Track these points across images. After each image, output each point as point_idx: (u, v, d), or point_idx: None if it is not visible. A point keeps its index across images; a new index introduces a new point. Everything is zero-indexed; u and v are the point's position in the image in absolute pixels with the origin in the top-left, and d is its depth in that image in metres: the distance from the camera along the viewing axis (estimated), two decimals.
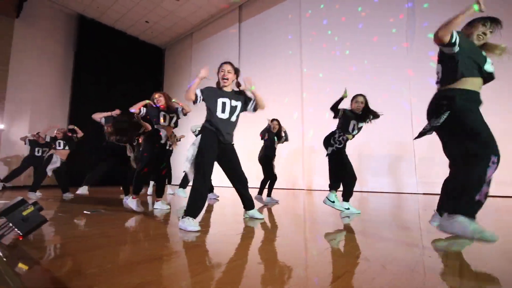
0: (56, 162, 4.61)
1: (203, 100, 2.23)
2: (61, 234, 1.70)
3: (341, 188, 2.74)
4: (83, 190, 3.81)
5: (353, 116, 2.78)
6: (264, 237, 1.73)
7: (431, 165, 4.93)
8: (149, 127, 3.64)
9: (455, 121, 1.48)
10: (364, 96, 2.79)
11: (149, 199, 4.43)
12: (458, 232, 1.33)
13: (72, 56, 9.17)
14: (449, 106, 1.50)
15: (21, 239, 1.52)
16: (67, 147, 4.82)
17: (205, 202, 2.05)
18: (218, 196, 4.35)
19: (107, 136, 3.79)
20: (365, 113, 2.77)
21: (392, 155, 5.30)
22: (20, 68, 7.93)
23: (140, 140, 4.72)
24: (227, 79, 2.25)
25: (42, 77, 8.44)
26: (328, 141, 2.78)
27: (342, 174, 2.71)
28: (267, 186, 3.78)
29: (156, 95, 3.08)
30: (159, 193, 3.14)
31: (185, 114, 3.20)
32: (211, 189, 4.26)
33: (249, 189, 2.36)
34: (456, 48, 1.51)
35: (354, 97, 2.81)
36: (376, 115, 2.78)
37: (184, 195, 3.98)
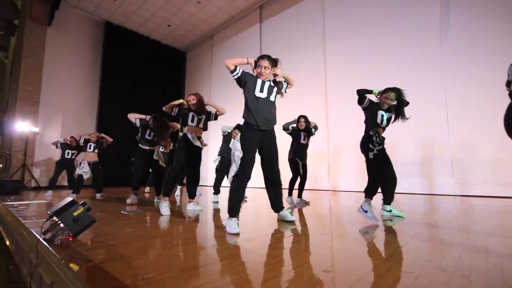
0: (83, 167, 4.76)
1: (239, 77, 2.16)
2: (108, 235, 1.71)
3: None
4: (133, 199, 3.68)
5: (380, 107, 2.55)
6: (315, 242, 1.65)
7: (469, 165, 4.63)
8: (177, 127, 3.63)
9: None
10: (397, 93, 2.49)
11: (177, 199, 4.46)
12: None
13: (99, 62, 9.52)
14: None
15: (71, 239, 1.54)
16: (96, 150, 5.02)
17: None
18: (247, 197, 4.30)
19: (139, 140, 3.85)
20: (394, 109, 2.55)
21: (426, 155, 5.03)
22: (52, 73, 8.32)
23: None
24: (263, 74, 2.18)
25: (72, 82, 8.81)
26: (366, 146, 2.52)
27: (382, 179, 2.48)
28: (297, 187, 3.69)
29: (190, 96, 3.06)
30: (191, 195, 3.12)
31: (216, 118, 3.19)
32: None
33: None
34: None
35: (385, 91, 2.53)
36: (402, 117, 2.54)
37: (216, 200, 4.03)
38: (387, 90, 2.53)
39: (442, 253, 1.34)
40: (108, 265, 1.13)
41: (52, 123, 8.27)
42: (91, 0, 8.44)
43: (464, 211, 2.95)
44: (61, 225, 1.52)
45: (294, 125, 3.76)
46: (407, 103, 2.56)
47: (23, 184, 6.05)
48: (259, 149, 2.15)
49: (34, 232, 1.66)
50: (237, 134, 4.06)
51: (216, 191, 4.11)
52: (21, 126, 7.39)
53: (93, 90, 9.34)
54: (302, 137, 3.70)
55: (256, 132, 2.08)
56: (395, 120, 2.59)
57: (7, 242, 3.42)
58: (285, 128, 3.74)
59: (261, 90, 2.13)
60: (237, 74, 2.15)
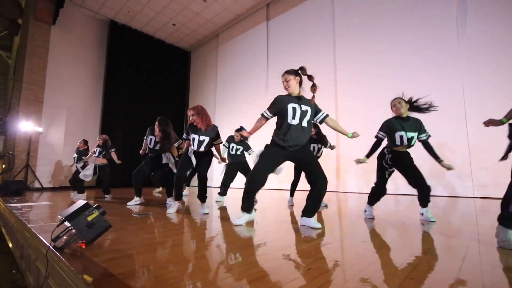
0: (87, 170, 4.70)
1: (274, 115, 2.27)
2: (124, 242, 1.55)
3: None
4: (135, 201, 3.70)
5: (398, 124, 2.46)
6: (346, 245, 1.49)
7: (488, 167, 4.46)
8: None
9: None
10: (401, 98, 2.51)
11: (185, 199, 4.31)
12: None
13: (104, 61, 9.41)
14: None
15: (84, 247, 1.39)
16: (101, 156, 4.91)
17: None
18: (256, 200, 4.16)
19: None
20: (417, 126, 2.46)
21: (444, 157, 4.84)
22: (56, 73, 8.20)
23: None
24: (289, 86, 2.23)
25: (77, 81, 8.70)
26: (380, 162, 2.56)
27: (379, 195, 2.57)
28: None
29: (189, 110, 2.99)
30: (202, 197, 2.99)
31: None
32: None
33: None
34: None
35: (392, 101, 2.55)
36: (426, 109, 2.48)
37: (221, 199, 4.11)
38: (393, 100, 2.56)
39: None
40: (133, 280, 0.97)
41: (56, 122, 8.14)
42: None
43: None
44: (74, 231, 1.37)
45: None
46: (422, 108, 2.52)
47: (26, 185, 5.91)
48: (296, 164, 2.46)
49: (43, 239, 1.51)
50: (237, 136, 4.18)
51: (223, 192, 4.18)
52: (25, 126, 7.26)
53: (97, 89, 9.23)
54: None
55: (280, 148, 2.21)
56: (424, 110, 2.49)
57: (10, 245, 3.28)
58: None
59: (293, 117, 2.16)
60: (270, 116, 2.29)
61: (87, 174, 4.58)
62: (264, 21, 8.46)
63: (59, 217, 1.38)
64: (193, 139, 2.92)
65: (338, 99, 6.48)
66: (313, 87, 2.15)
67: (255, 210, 2.40)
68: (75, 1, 8.41)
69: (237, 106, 8.80)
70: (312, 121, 2.26)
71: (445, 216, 2.81)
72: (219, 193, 4.19)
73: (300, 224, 2.14)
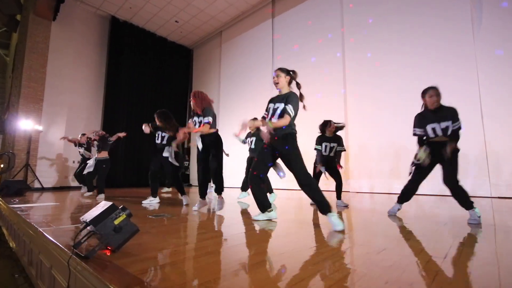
0: (91, 167, 4.75)
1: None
2: (153, 248, 1.39)
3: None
4: (151, 201, 3.74)
5: (430, 116, 2.33)
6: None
7: (505, 166, 4.35)
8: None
9: None
10: (437, 89, 2.35)
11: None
12: None
13: (105, 58, 9.22)
14: None
15: (109, 254, 1.23)
16: (100, 149, 4.86)
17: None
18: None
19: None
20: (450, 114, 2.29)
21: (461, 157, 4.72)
22: (57, 70, 8.00)
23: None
24: (278, 82, 2.32)
25: (78, 79, 8.50)
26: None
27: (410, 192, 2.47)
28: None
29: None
30: (217, 189, 3.00)
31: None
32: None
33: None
34: None
35: (425, 91, 2.37)
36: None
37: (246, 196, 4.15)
38: (427, 89, 2.38)
39: None
40: None
41: (57, 121, 7.94)
42: None
43: None
44: (98, 236, 1.21)
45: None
46: None
47: (27, 184, 5.72)
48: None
49: (62, 246, 1.35)
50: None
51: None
52: (24, 124, 7.06)
53: (99, 87, 9.04)
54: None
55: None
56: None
57: (11, 245, 3.10)
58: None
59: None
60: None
61: (90, 165, 4.74)
62: (270, 18, 8.31)
63: (82, 220, 1.22)
64: (194, 122, 2.95)
65: (348, 100, 6.31)
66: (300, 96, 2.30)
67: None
68: None
69: (241, 105, 8.63)
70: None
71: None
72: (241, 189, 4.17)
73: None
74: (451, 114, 2.29)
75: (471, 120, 4.67)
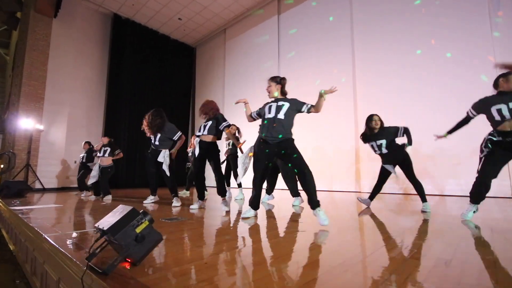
0: (95, 177, 4.61)
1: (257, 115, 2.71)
2: (180, 258, 1.21)
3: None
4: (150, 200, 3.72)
5: (495, 98, 2.12)
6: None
7: None
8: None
9: None
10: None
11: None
12: None
13: (107, 56, 9.04)
14: None
15: (128, 267, 1.05)
16: (106, 154, 4.70)
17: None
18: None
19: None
20: None
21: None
22: (58, 68, 7.82)
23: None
24: (269, 92, 2.57)
25: (79, 77, 8.33)
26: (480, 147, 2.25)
27: (485, 184, 2.12)
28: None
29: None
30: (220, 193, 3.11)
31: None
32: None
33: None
34: None
35: (500, 77, 2.15)
36: None
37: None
38: (502, 75, 2.13)
39: None
40: None
41: (58, 120, 7.76)
42: None
43: None
44: (116, 246, 1.03)
45: None
46: None
47: (28, 185, 5.54)
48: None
49: (71, 256, 1.17)
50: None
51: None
52: (25, 123, 6.88)
53: (101, 85, 8.86)
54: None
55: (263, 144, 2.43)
56: None
57: (11, 247, 2.92)
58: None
59: (269, 112, 2.45)
60: (256, 116, 2.73)
61: (94, 175, 4.58)
62: (275, 14, 8.13)
63: (97, 227, 1.04)
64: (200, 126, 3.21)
65: (358, 103, 6.10)
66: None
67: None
68: None
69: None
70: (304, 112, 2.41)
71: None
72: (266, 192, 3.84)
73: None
74: None
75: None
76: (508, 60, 4.39)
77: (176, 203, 3.33)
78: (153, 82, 9.76)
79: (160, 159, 3.41)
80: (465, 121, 2.39)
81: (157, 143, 3.48)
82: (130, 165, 8.89)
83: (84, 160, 5.41)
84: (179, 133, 3.54)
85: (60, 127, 7.78)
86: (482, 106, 2.21)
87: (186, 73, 11.02)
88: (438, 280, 0.94)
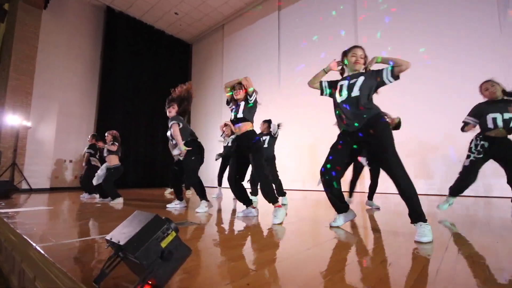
0: (102, 170, 4.12)
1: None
2: (205, 276, 0.99)
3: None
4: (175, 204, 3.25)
5: (490, 106, 2.28)
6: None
7: None
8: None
9: None
10: (493, 81, 2.35)
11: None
12: None
13: (99, 51, 8.66)
14: None
15: None
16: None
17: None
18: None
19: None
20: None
21: None
22: (47, 62, 7.42)
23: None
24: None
25: (70, 72, 7.93)
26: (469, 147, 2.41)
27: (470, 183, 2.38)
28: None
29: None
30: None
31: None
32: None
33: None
34: None
35: (481, 85, 2.40)
36: None
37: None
38: (482, 83, 2.40)
39: None
40: None
41: (47, 117, 7.36)
42: None
43: None
44: (134, 265, 0.80)
45: None
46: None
47: (15, 185, 5.17)
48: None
49: (71, 275, 0.92)
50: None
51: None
52: (11, 120, 6.48)
53: (93, 81, 8.47)
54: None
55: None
56: None
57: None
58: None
59: (340, 93, 1.90)
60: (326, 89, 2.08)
61: (100, 175, 4.03)
62: (276, 10, 7.93)
63: (109, 241, 0.81)
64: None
65: None
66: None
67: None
68: None
69: None
70: None
71: None
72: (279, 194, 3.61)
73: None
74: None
75: None
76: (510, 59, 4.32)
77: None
78: (147, 78, 9.43)
79: (176, 152, 3.01)
80: (463, 128, 2.47)
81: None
82: (123, 164, 8.51)
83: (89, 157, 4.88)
84: None
85: (49, 124, 7.38)
86: (478, 113, 2.34)
87: (182, 70, 10.71)
88: None
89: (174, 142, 3.03)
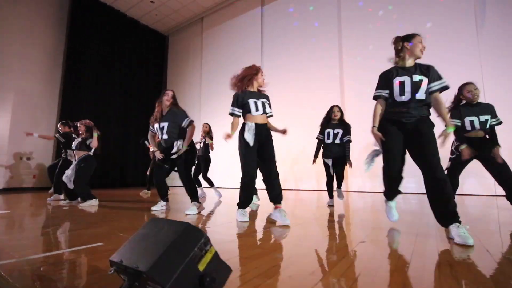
0: (71, 169, 3.49)
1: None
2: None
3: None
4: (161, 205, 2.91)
5: (467, 110, 2.37)
6: None
7: None
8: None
9: None
10: (474, 84, 2.45)
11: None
12: None
13: (64, 38, 7.82)
14: None
15: None
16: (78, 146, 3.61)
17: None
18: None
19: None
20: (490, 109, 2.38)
21: None
22: (2, 47, 6.53)
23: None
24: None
25: (28, 60, 7.04)
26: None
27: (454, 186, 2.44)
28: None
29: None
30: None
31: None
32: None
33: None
34: None
35: (464, 86, 2.45)
36: None
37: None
38: (465, 84, 2.46)
39: None
40: None
41: (0, 108, 6.48)
42: None
43: None
44: None
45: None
46: None
47: None
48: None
49: None
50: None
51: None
52: None
53: (55, 69, 7.61)
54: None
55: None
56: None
57: None
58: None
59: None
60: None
61: (69, 176, 3.42)
62: (259, 6, 7.74)
63: (118, 263, 0.56)
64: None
65: (345, 96, 5.99)
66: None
67: None
68: None
69: (226, 100, 7.87)
70: None
71: None
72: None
73: None
74: (490, 109, 2.38)
75: None
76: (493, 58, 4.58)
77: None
78: (119, 69, 8.74)
79: (174, 149, 2.72)
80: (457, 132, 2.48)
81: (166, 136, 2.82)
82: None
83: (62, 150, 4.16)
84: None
85: (2, 116, 6.50)
86: (458, 115, 2.41)
87: (156, 63, 10.11)
88: None
89: (166, 138, 2.71)
